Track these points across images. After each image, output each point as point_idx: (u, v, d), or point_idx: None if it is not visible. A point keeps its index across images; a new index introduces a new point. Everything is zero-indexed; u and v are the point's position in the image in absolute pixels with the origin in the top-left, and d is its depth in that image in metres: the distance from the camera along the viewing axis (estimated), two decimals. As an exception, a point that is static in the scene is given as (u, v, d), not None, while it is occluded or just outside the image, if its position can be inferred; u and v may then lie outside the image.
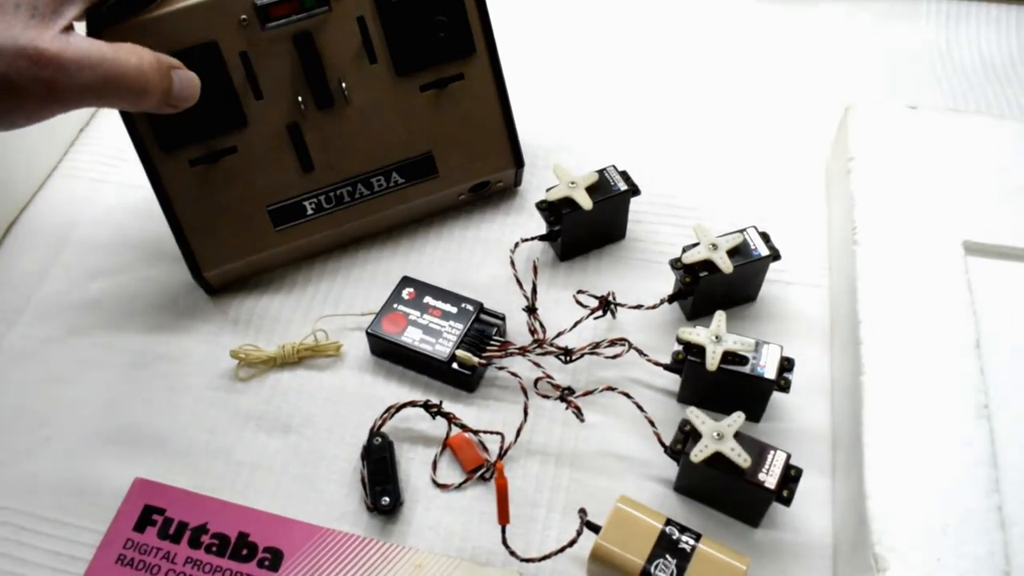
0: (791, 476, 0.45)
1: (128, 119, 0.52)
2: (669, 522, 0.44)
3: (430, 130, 0.58)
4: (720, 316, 0.50)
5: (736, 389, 0.50)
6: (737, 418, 0.46)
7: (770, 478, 0.45)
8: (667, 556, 0.43)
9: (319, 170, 0.56)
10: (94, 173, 0.67)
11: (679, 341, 0.50)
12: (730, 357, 0.49)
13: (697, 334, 0.49)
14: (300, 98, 0.54)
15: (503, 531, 0.45)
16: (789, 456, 0.45)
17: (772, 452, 0.46)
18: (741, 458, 0.45)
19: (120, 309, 0.59)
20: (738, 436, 0.46)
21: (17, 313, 0.59)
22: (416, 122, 0.57)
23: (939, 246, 0.52)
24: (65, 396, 0.55)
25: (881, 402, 0.46)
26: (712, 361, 0.48)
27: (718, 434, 0.46)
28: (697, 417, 0.46)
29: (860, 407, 0.47)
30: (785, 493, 0.45)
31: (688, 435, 0.47)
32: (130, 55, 0.45)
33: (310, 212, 0.57)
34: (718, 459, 0.45)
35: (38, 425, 0.54)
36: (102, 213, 0.65)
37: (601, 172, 0.57)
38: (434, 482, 0.50)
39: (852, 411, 0.48)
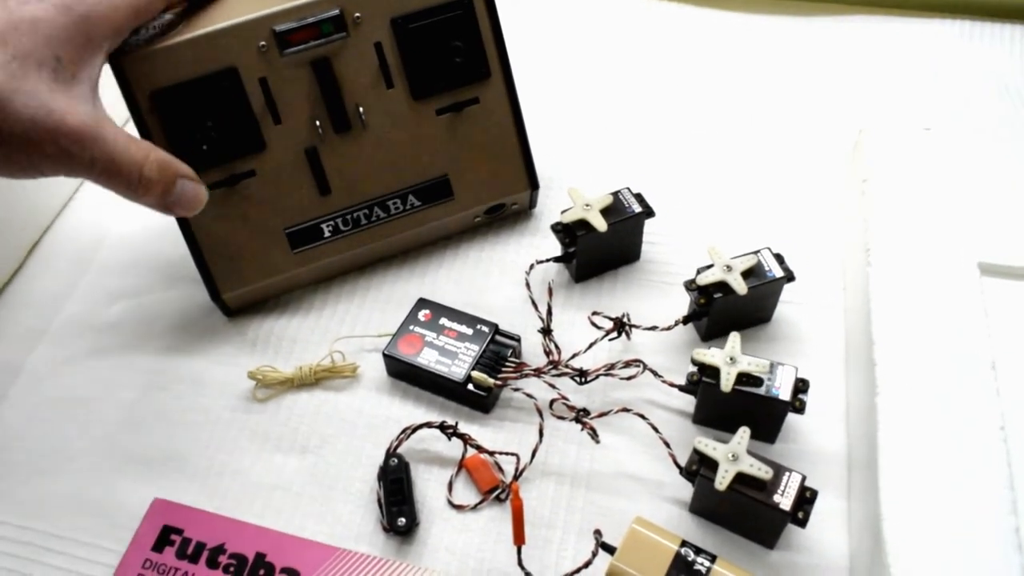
0: (806, 498, 0.45)
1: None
2: (684, 543, 0.44)
3: (446, 153, 0.58)
4: (735, 337, 0.50)
5: (751, 410, 0.50)
6: (743, 434, 0.46)
7: (785, 500, 0.45)
8: (682, 578, 0.43)
9: (336, 193, 0.57)
10: (117, 196, 0.68)
11: (694, 362, 0.50)
12: (745, 378, 0.49)
13: (712, 355, 0.50)
14: (318, 122, 0.55)
15: (519, 552, 0.45)
16: (804, 478, 0.45)
17: (787, 474, 0.46)
18: (763, 471, 0.45)
19: (140, 330, 0.60)
20: (751, 454, 0.46)
21: (40, 334, 0.60)
22: (432, 145, 0.58)
23: (954, 267, 0.52)
24: (85, 417, 0.56)
25: (896, 423, 0.46)
26: (727, 382, 0.48)
27: (732, 455, 0.46)
28: (707, 445, 0.46)
29: (875, 428, 0.46)
30: (800, 515, 0.45)
31: (703, 458, 0.47)
32: (137, 152, 0.46)
33: (327, 235, 0.58)
34: (740, 479, 0.45)
35: (59, 446, 0.55)
36: (123, 235, 0.66)
37: (616, 194, 0.58)
38: (450, 503, 0.51)
39: (867, 432, 0.48)
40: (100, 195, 0.68)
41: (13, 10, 0.43)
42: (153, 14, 0.50)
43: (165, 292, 0.62)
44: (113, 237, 0.66)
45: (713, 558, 0.44)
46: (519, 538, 0.44)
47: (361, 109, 0.55)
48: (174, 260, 0.63)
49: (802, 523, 0.45)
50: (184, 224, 0.55)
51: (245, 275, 0.57)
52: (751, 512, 0.46)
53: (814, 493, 0.45)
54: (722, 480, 0.45)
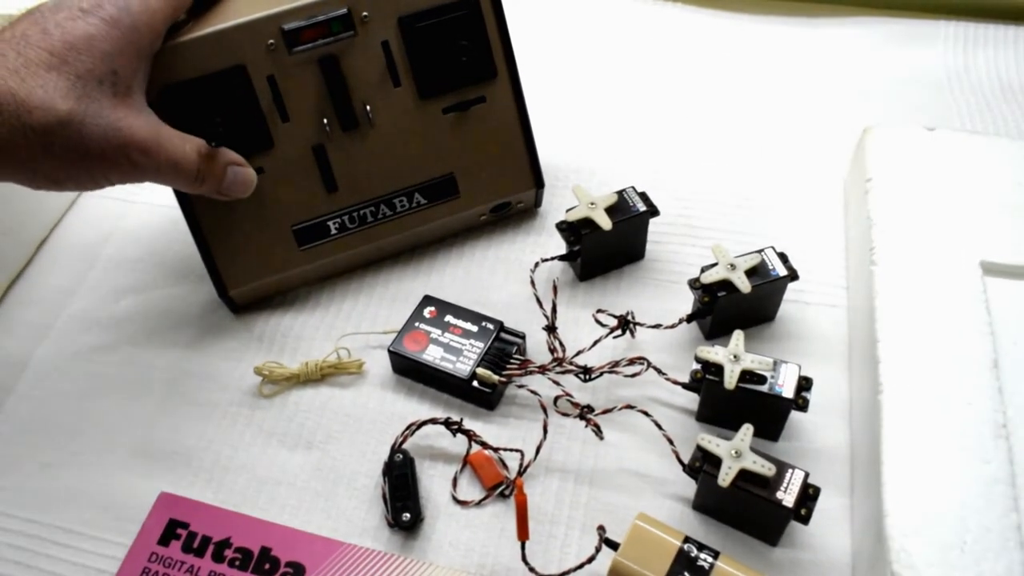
0: (809, 495, 0.45)
1: None
2: (687, 540, 0.45)
3: (452, 152, 0.59)
4: (738, 335, 0.50)
5: (754, 408, 0.50)
6: (746, 431, 0.46)
7: (788, 496, 0.45)
8: (685, 574, 0.43)
9: (343, 191, 0.57)
10: (124, 192, 0.69)
11: (697, 360, 0.50)
12: (748, 376, 0.49)
13: (715, 353, 0.50)
14: (325, 120, 0.55)
15: (522, 547, 0.45)
16: (807, 475, 0.46)
17: (790, 471, 0.46)
18: (765, 468, 0.45)
19: (147, 326, 0.60)
20: (754, 451, 0.46)
21: (47, 329, 0.61)
22: (438, 144, 0.58)
23: (957, 266, 0.52)
24: (92, 411, 0.56)
25: (899, 421, 0.46)
26: (730, 380, 0.48)
27: (735, 452, 0.46)
28: (710, 442, 0.47)
29: (878, 426, 0.47)
30: (803, 512, 0.45)
31: (706, 455, 0.47)
32: (192, 150, 0.49)
33: (334, 232, 0.58)
34: (743, 475, 0.45)
35: (65, 440, 0.55)
36: (130, 232, 0.67)
37: (620, 193, 0.58)
38: (454, 499, 0.51)
39: (870, 430, 0.48)
40: (107, 192, 0.69)
41: (67, 29, 0.45)
42: (183, 11, 0.51)
43: (172, 288, 0.62)
44: (120, 233, 0.66)
45: (716, 554, 0.44)
46: (523, 533, 0.44)
47: (368, 107, 0.55)
48: (182, 256, 0.64)
49: (805, 520, 0.45)
50: (192, 221, 0.55)
51: (252, 272, 0.58)
52: (754, 509, 0.47)
53: (817, 490, 0.46)
54: (725, 477, 0.45)
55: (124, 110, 0.46)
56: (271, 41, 0.53)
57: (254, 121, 0.54)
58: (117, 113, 0.46)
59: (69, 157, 0.44)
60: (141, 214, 0.68)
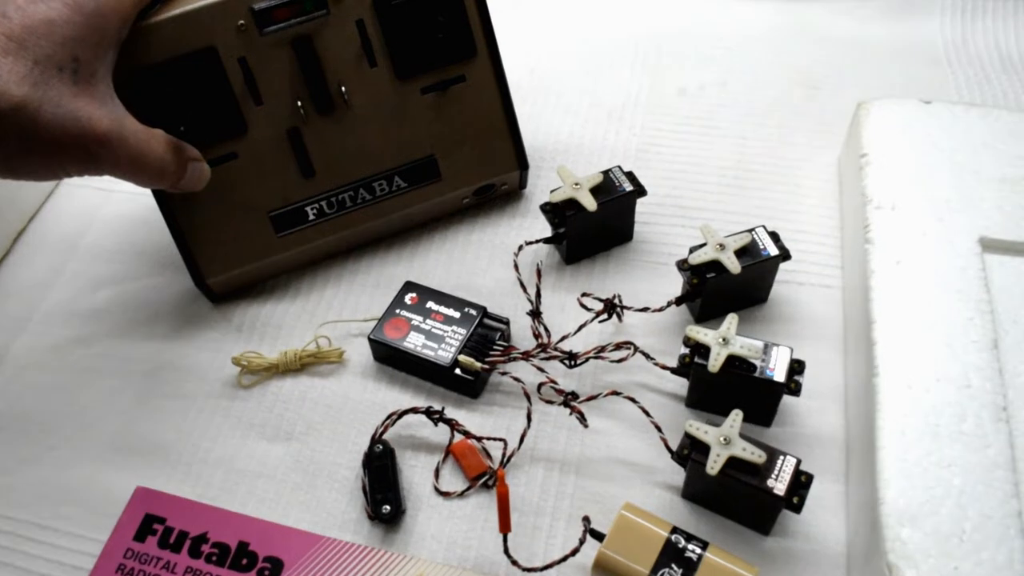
0: (801, 482, 0.44)
1: None
2: (675, 530, 0.43)
3: (432, 133, 0.57)
4: (732, 319, 0.49)
5: (745, 392, 0.48)
6: (736, 417, 0.45)
7: (779, 484, 0.43)
8: (673, 565, 0.42)
9: (320, 175, 0.56)
10: (103, 181, 0.67)
11: (686, 342, 0.49)
12: (737, 361, 0.47)
13: (704, 334, 0.48)
14: (300, 103, 0.53)
15: (505, 540, 0.44)
16: (799, 461, 0.44)
17: (782, 457, 0.44)
18: (755, 455, 0.44)
19: (125, 317, 0.59)
20: (745, 437, 0.44)
21: (24, 322, 0.60)
22: (418, 125, 0.56)
23: (955, 243, 0.50)
24: (69, 405, 0.55)
25: (895, 404, 0.45)
26: (715, 363, 0.47)
27: (724, 439, 0.44)
28: (698, 429, 0.45)
29: (874, 410, 0.45)
30: (795, 500, 0.43)
31: (694, 442, 0.45)
32: (156, 145, 0.48)
33: (312, 218, 0.57)
34: (732, 463, 0.44)
35: (42, 434, 0.54)
36: (109, 222, 0.65)
37: (606, 173, 0.56)
38: (436, 490, 0.50)
39: (866, 414, 0.46)
40: (86, 180, 0.68)
41: (27, 12, 0.43)
42: None
43: (151, 278, 0.61)
44: (99, 223, 0.65)
45: (705, 544, 0.43)
46: (504, 526, 0.43)
47: (344, 89, 0.54)
48: (161, 245, 0.62)
49: (797, 508, 0.43)
50: (166, 209, 0.54)
51: (229, 260, 0.56)
52: (744, 497, 0.45)
53: (809, 477, 0.44)
54: (714, 464, 0.44)
55: (85, 99, 0.44)
56: (241, 22, 0.51)
57: (226, 105, 0.53)
58: (77, 102, 0.44)
59: (23, 145, 0.43)
60: (121, 203, 0.66)
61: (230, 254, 0.56)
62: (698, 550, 0.42)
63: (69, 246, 0.64)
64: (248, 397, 0.54)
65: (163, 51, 0.50)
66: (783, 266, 0.54)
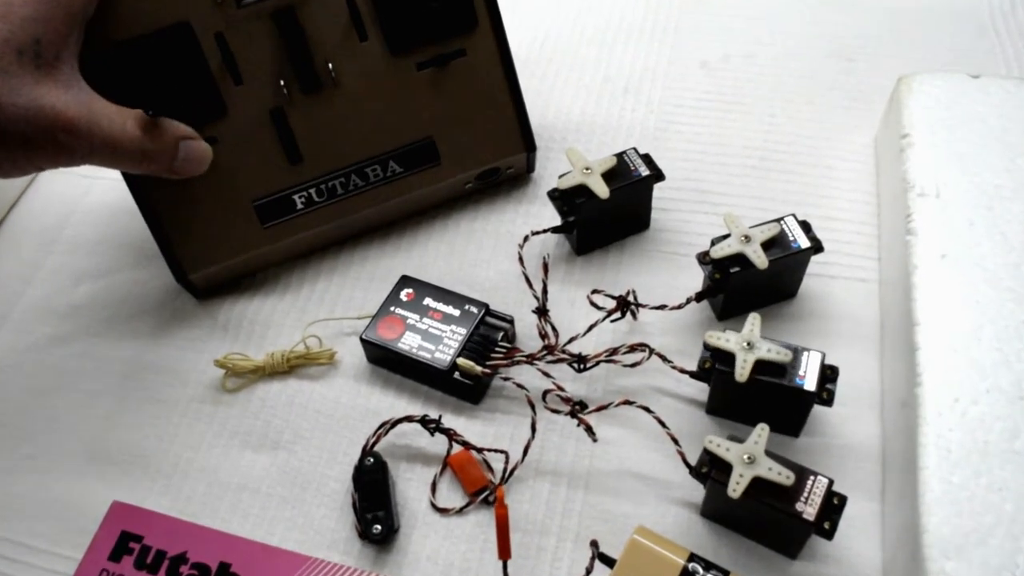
0: (834, 505, 0.40)
1: None
2: (693, 557, 0.39)
3: (430, 113, 0.53)
4: (754, 319, 0.44)
5: (772, 401, 0.44)
6: (762, 432, 0.41)
7: (809, 508, 0.39)
8: (690, 598, 0.38)
9: (308, 160, 0.52)
10: (84, 168, 0.63)
11: (706, 347, 0.44)
12: (764, 367, 0.43)
13: (726, 340, 0.44)
14: (283, 82, 0.49)
15: (504, 568, 0.40)
16: (831, 482, 0.40)
17: (812, 478, 0.40)
18: (783, 476, 0.39)
19: (106, 315, 0.56)
20: (771, 455, 0.40)
21: (2, 320, 0.56)
22: (414, 105, 0.52)
23: (1007, 235, 0.46)
24: (47, 411, 0.52)
25: (940, 419, 0.40)
26: (742, 373, 0.42)
27: (748, 457, 0.40)
28: (719, 445, 0.41)
29: (916, 425, 0.40)
30: (827, 525, 0.39)
31: (714, 459, 0.41)
32: (133, 127, 0.44)
33: (300, 207, 0.53)
34: (757, 484, 0.40)
35: (18, 442, 0.51)
36: (92, 211, 0.62)
37: (620, 156, 0.52)
38: (433, 506, 0.46)
39: (906, 427, 0.42)
40: (68, 169, 0.64)
41: None
42: None
43: (133, 272, 0.57)
44: (81, 213, 0.62)
45: (725, 574, 0.38)
46: (504, 552, 0.39)
47: (331, 65, 0.50)
48: (145, 236, 0.58)
49: (828, 535, 0.39)
50: (142, 200, 0.51)
51: (212, 254, 0.53)
52: (770, 521, 0.41)
53: (843, 499, 0.40)
54: (736, 487, 0.39)
55: (49, 84, 0.41)
56: (217, -7, 0.47)
57: (203, 85, 0.49)
58: (40, 89, 0.41)
59: None
60: (105, 191, 0.63)
61: (212, 247, 0.52)
62: (718, 581, 0.38)
63: (50, 238, 0.60)
64: (233, 402, 0.51)
65: (132, 28, 0.47)
66: (814, 258, 0.49)
